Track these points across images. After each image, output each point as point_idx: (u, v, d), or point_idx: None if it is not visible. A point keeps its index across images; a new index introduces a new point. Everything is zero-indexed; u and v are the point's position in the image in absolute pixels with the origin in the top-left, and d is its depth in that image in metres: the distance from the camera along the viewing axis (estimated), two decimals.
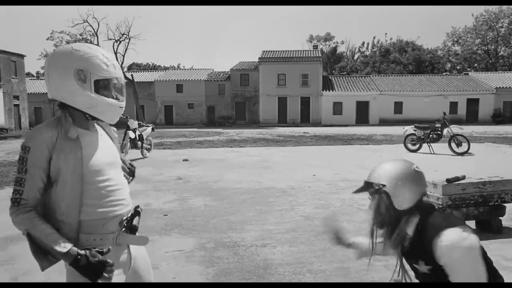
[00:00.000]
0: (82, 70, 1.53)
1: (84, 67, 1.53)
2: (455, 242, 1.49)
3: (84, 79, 1.53)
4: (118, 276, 1.56)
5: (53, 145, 1.51)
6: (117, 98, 1.63)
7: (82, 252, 1.43)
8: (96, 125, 1.71)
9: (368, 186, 1.72)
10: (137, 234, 1.67)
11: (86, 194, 1.54)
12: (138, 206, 1.75)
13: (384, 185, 1.65)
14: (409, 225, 1.64)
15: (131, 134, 11.24)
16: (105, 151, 1.65)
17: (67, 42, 41.98)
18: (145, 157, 11.87)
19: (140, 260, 1.73)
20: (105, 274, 1.44)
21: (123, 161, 1.84)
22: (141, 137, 11.73)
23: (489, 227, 4.51)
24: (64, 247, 1.43)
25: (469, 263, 1.49)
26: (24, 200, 1.48)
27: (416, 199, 1.64)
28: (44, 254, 1.49)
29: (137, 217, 1.70)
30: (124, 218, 1.64)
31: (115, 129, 1.84)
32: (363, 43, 67.57)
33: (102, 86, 1.58)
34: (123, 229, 1.63)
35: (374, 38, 77.99)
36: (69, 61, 1.53)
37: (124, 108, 1.68)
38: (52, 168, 1.51)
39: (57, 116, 1.61)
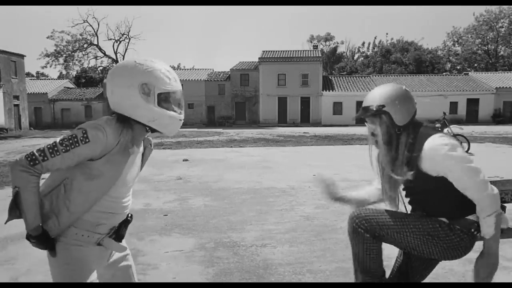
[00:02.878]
0: (146, 84, 1.56)
1: (148, 80, 1.56)
2: (437, 144, 1.68)
3: (148, 93, 1.56)
4: (96, 268, 1.67)
5: (107, 151, 1.54)
6: (177, 111, 1.66)
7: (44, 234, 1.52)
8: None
9: (366, 111, 1.82)
10: (123, 241, 1.75)
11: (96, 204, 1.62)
12: (131, 216, 1.79)
13: (383, 106, 1.77)
14: (408, 139, 1.77)
15: None
16: (132, 173, 1.72)
17: (67, 42, 42.00)
18: None
19: (119, 257, 1.81)
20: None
21: None
22: None
23: None
24: (35, 220, 1.50)
25: (454, 160, 1.67)
26: (39, 166, 1.46)
27: (411, 115, 1.80)
28: (16, 213, 1.52)
29: (126, 227, 1.75)
30: (114, 226, 1.71)
31: (152, 143, 1.88)
32: (363, 43, 67.53)
33: (164, 99, 1.60)
34: (110, 234, 1.69)
35: (375, 38, 77.95)
36: (133, 75, 1.56)
37: (183, 121, 1.72)
38: (95, 168, 1.53)
39: (117, 121, 1.60)
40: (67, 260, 1.59)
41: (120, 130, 1.58)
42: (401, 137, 1.78)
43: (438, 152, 1.67)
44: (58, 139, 1.49)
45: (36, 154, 1.46)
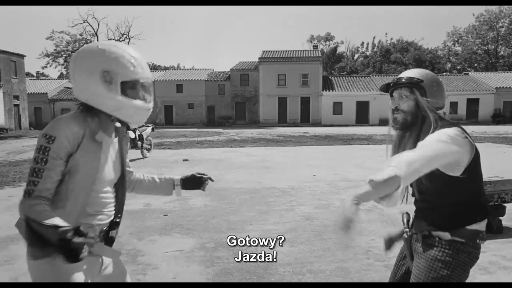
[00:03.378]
0: (108, 71, 1.45)
1: (110, 68, 1.45)
2: (439, 132, 1.58)
3: (110, 81, 1.45)
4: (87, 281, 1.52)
5: (78, 142, 1.43)
6: (144, 99, 1.56)
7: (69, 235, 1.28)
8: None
9: (406, 80, 1.69)
10: (113, 245, 1.62)
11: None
12: (119, 216, 1.65)
13: (422, 81, 1.67)
14: (435, 126, 1.62)
15: (131, 134, 11.06)
16: (111, 165, 1.59)
17: (67, 42, 41.99)
18: (145, 157, 11.86)
19: (111, 267, 1.66)
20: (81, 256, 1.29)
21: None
22: (141, 137, 11.73)
23: (489, 227, 4.50)
24: (52, 221, 1.30)
25: (429, 139, 1.55)
26: (37, 192, 1.37)
27: (441, 104, 1.69)
28: (40, 243, 1.36)
29: (116, 228, 1.62)
30: (104, 228, 1.58)
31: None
32: (363, 43, 67.56)
33: (129, 88, 1.50)
34: (99, 238, 1.55)
35: (374, 38, 78.02)
36: (94, 61, 1.45)
37: (151, 110, 1.61)
38: (70, 164, 1.43)
39: (80, 112, 1.51)
40: (54, 275, 1.44)
41: (85, 119, 1.48)
42: (425, 123, 1.65)
43: (434, 135, 1.58)
44: (33, 161, 1.40)
45: (27, 185, 1.38)
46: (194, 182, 1.91)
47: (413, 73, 1.72)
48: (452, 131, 1.58)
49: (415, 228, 1.78)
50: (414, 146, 1.59)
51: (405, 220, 1.85)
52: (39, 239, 1.34)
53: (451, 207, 1.66)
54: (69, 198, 1.46)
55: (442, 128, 1.60)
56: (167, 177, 1.92)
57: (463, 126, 1.64)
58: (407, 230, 1.81)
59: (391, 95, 1.75)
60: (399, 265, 1.90)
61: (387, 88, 1.77)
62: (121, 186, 1.68)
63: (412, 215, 1.87)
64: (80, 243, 1.26)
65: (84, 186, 1.47)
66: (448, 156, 1.55)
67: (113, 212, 1.63)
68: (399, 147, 1.76)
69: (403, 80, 1.70)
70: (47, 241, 1.32)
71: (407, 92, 1.68)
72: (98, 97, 1.46)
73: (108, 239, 1.58)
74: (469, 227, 1.65)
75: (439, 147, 1.52)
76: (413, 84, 1.67)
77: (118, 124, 1.58)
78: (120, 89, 1.47)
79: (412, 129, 1.70)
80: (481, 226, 1.67)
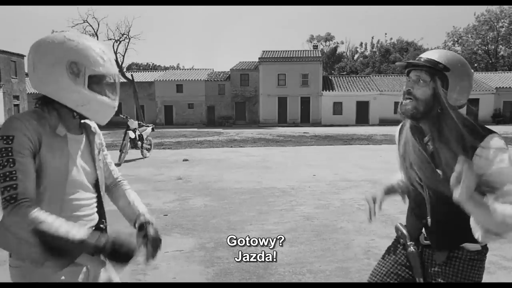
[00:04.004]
0: (75, 62, 1.34)
1: (78, 59, 1.35)
2: (502, 144, 1.38)
3: (77, 73, 1.35)
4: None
5: (39, 138, 1.31)
6: (110, 96, 1.46)
7: (105, 241, 1.24)
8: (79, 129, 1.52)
9: (425, 61, 1.42)
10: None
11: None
12: (102, 222, 1.54)
13: (448, 69, 1.39)
14: (464, 123, 1.40)
15: (131, 134, 11.24)
16: (80, 164, 1.46)
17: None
18: (145, 157, 11.86)
19: (101, 277, 1.55)
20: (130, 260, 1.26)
21: None
22: (141, 137, 11.72)
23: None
24: (80, 234, 1.23)
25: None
26: (21, 195, 1.24)
27: (463, 103, 1.44)
28: (59, 253, 1.24)
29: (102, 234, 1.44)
30: None
31: (100, 134, 1.62)
32: (361, 43, 67.55)
33: (96, 82, 1.40)
34: None
35: (372, 38, 78.11)
36: (61, 51, 1.34)
37: (116, 109, 1.51)
38: (37, 164, 1.31)
39: (35, 109, 1.40)
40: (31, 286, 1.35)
41: (42, 115, 1.37)
42: (444, 121, 1.41)
43: (503, 154, 1.36)
44: None
45: (3, 193, 1.23)
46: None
47: (440, 55, 1.42)
48: (504, 143, 1.39)
49: (435, 245, 1.58)
50: (452, 159, 1.34)
51: (405, 232, 1.69)
52: (55, 250, 1.23)
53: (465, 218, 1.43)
54: (43, 201, 1.33)
55: (488, 138, 1.39)
56: (136, 210, 1.69)
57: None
58: (412, 243, 1.64)
59: (408, 75, 1.49)
60: (391, 272, 1.72)
61: (406, 66, 1.49)
62: (98, 189, 1.55)
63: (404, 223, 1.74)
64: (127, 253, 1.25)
65: (56, 186, 1.36)
66: None
67: (93, 218, 1.50)
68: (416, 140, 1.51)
69: (425, 63, 1.41)
70: (68, 252, 1.24)
71: (427, 76, 1.41)
72: (62, 90, 1.36)
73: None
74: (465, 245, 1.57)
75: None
76: (436, 71, 1.40)
77: (85, 120, 1.49)
78: (87, 83, 1.37)
79: (425, 124, 1.45)
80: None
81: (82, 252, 1.25)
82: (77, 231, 1.24)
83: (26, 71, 38.74)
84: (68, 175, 1.39)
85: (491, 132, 1.41)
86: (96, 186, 1.55)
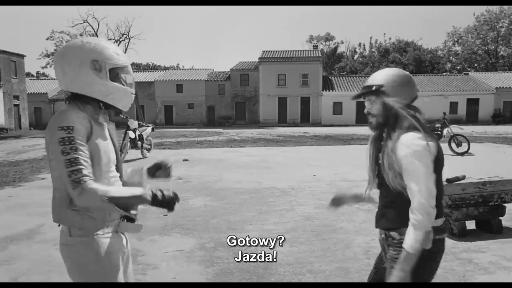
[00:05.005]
0: (96, 60, 1.59)
1: (98, 57, 1.60)
2: (408, 142, 1.63)
3: (99, 69, 1.60)
4: (120, 260, 1.69)
5: (90, 126, 1.58)
6: (129, 85, 1.72)
7: (155, 191, 1.54)
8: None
9: (365, 88, 1.82)
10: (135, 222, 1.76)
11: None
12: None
13: (382, 86, 1.75)
14: (405, 120, 1.69)
15: (131, 134, 11.24)
16: (110, 146, 1.74)
17: (67, 42, 41.91)
18: (145, 157, 11.87)
19: (128, 247, 1.84)
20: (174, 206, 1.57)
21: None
22: (141, 137, 11.73)
23: (489, 227, 4.51)
24: (141, 191, 1.55)
25: (410, 161, 1.61)
26: (87, 177, 1.47)
27: (409, 100, 1.74)
28: (128, 207, 1.62)
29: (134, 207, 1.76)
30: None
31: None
32: (360, 44, 67.53)
33: (116, 74, 1.66)
34: (122, 219, 1.70)
35: (371, 38, 78.10)
36: (83, 53, 1.59)
37: (134, 96, 1.76)
38: (90, 148, 1.56)
39: (71, 104, 1.64)
40: (97, 255, 1.59)
41: (79, 106, 1.63)
42: (400, 117, 1.71)
43: (402, 152, 1.64)
44: (61, 155, 1.47)
45: (71, 177, 1.45)
46: (157, 169, 1.97)
47: (374, 79, 1.80)
48: (414, 141, 1.62)
49: (378, 225, 1.86)
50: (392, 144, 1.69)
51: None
52: (125, 207, 1.59)
53: (405, 205, 1.66)
54: (97, 178, 1.56)
55: (408, 132, 1.66)
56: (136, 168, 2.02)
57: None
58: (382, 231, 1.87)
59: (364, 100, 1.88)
60: (379, 267, 1.96)
61: (358, 95, 1.86)
62: (119, 170, 1.83)
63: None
64: (171, 197, 1.55)
65: (105, 165, 1.63)
66: (431, 166, 1.62)
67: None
68: (374, 145, 1.87)
69: (364, 90, 1.81)
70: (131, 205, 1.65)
71: (373, 96, 1.78)
72: (90, 85, 1.60)
73: (128, 218, 1.71)
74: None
75: (423, 168, 1.60)
76: (373, 91, 1.76)
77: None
78: (109, 75, 1.63)
79: (388, 128, 1.77)
80: (438, 221, 1.70)
81: (142, 204, 1.60)
82: (135, 189, 1.58)
83: (26, 71, 38.76)
84: (110, 156, 1.68)
85: (415, 129, 1.65)
86: (118, 167, 1.83)
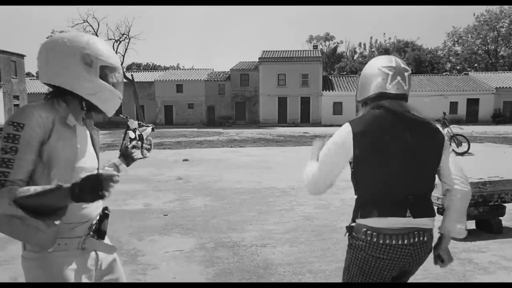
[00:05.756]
0: (88, 54, 1.45)
1: (91, 51, 1.46)
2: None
3: (90, 64, 1.45)
4: (84, 281, 1.48)
5: (50, 128, 1.38)
6: (117, 88, 1.56)
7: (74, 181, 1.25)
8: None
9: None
10: (106, 238, 1.56)
11: None
12: (106, 208, 1.60)
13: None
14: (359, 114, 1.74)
15: (131, 134, 11.23)
16: (87, 152, 1.54)
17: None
18: (145, 157, 11.82)
19: (109, 263, 1.62)
20: (104, 191, 1.20)
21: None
22: (141, 137, 11.70)
23: (489, 227, 4.51)
24: (55, 185, 1.28)
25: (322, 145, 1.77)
26: (9, 183, 1.29)
27: (367, 95, 1.71)
28: (44, 210, 1.29)
29: (105, 220, 1.56)
30: (94, 222, 1.52)
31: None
32: (360, 43, 67.51)
33: (107, 73, 1.50)
34: (91, 233, 1.51)
35: (371, 38, 78.13)
36: (76, 44, 1.45)
37: (121, 101, 1.61)
38: (46, 153, 1.37)
39: (45, 101, 1.47)
40: (48, 276, 1.41)
41: (53, 106, 1.45)
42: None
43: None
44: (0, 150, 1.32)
45: None
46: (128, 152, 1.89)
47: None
48: (342, 127, 1.67)
49: None
50: None
51: None
52: (40, 210, 1.28)
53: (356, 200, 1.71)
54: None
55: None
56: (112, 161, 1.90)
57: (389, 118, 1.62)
58: None
59: None
60: None
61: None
62: None
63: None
64: (108, 175, 1.20)
65: (65, 173, 1.41)
66: (332, 152, 1.68)
67: (99, 204, 1.56)
68: None
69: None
70: (50, 209, 1.29)
71: None
72: (76, 79, 1.44)
73: (99, 232, 1.53)
74: (357, 221, 1.66)
75: (326, 147, 1.71)
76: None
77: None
78: (100, 73, 1.47)
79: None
80: (368, 221, 1.61)
81: (63, 202, 1.26)
82: (50, 185, 1.30)
83: (26, 71, 38.75)
84: (76, 164, 1.45)
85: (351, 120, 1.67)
86: None
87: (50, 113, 1.40)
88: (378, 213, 1.58)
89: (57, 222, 1.34)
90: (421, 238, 1.60)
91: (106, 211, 1.58)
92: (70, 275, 1.43)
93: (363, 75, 1.75)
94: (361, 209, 1.65)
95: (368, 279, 1.62)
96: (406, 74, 1.68)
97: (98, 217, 1.55)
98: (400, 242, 1.56)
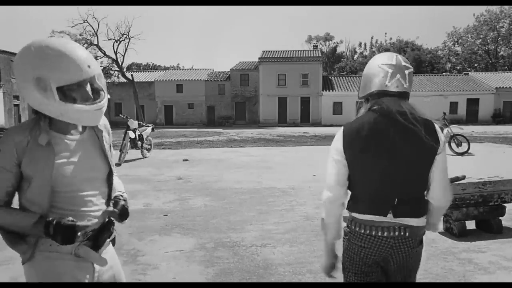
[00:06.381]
0: (39, 78, 1.33)
1: (42, 74, 1.33)
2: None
3: (44, 88, 1.34)
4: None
5: (23, 150, 1.39)
6: (88, 100, 1.43)
7: (51, 219, 1.38)
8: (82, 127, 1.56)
9: None
10: (101, 250, 1.53)
11: (54, 201, 1.45)
12: (111, 223, 1.57)
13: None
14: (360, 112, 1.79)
15: (131, 134, 11.24)
16: (83, 164, 1.49)
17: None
18: (145, 157, 11.86)
19: (106, 272, 1.60)
20: (76, 239, 1.38)
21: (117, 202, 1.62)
22: (141, 137, 11.72)
23: (489, 227, 4.51)
24: (33, 217, 1.40)
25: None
26: None
27: (368, 91, 1.74)
28: (20, 239, 1.48)
29: (105, 233, 1.53)
30: (90, 230, 1.47)
31: (108, 128, 1.66)
32: (360, 43, 67.50)
33: (67, 91, 1.39)
34: (85, 241, 1.48)
35: (372, 38, 78.12)
36: (27, 68, 1.35)
37: (105, 108, 1.49)
38: (24, 173, 1.43)
39: (35, 117, 1.46)
40: (42, 274, 1.47)
41: (37, 123, 1.43)
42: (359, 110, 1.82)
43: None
44: None
45: None
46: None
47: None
48: (338, 132, 1.74)
49: None
50: None
51: None
52: (15, 236, 1.48)
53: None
54: (32, 205, 1.44)
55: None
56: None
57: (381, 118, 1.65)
58: None
59: None
60: None
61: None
62: (109, 184, 1.60)
63: None
64: (70, 225, 1.35)
65: (40, 194, 1.42)
66: (336, 158, 1.72)
67: (96, 210, 1.52)
68: None
69: None
70: (24, 235, 1.46)
71: None
72: (39, 104, 1.38)
73: (95, 244, 1.50)
74: (347, 211, 1.79)
75: (329, 153, 1.76)
76: None
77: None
78: (57, 94, 1.35)
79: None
80: (354, 214, 1.73)
81: (36, 234, 1.42)
82: (32, 215, 1.41)
83: None
84: (52, 185, 1.42)
85: (346, 123, 1.75)
86: (109, 180, 1.60)
87: (27, 135, 1.41)
88: (362, 211, 1.69)
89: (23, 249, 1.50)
90: (402, 233, 1.65)
91: (110, 226, 1.56)
92: (62, 274, 1.45)
93: (365, 72, 1.80)
94: (351, 202, 1.76)
95: (353, 264, 1.75)
96: (406, 72, 1.68)
97: (98, 228, 1.50)
98: (380, 234, 1.65)
